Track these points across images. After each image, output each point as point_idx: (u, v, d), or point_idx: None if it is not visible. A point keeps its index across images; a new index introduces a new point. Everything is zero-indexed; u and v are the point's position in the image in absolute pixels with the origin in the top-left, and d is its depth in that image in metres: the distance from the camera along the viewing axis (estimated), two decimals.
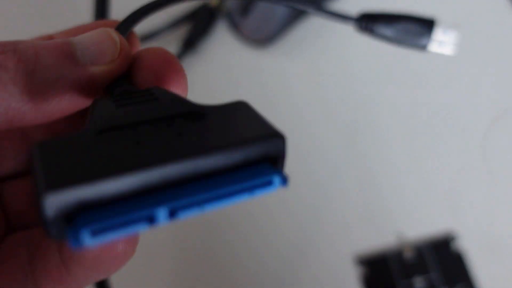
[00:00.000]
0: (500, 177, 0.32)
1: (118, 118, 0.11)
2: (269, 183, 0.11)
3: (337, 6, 0.36)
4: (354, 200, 0.32)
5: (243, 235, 0.32)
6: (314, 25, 0.37)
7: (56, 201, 0.09)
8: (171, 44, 0.37)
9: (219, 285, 0.31)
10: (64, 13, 0.39)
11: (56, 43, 0.13)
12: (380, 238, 0.31)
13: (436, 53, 0.23)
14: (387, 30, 0.23)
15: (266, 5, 0.34)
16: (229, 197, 0.10)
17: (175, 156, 0.10)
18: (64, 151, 0.10)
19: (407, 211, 0.31)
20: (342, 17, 0.23)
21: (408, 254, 0.30)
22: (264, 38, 0.35)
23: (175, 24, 0.36)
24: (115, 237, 0.09)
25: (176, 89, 0.14)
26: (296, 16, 0.35)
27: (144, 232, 0.10)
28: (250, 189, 0.11)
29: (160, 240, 0.32)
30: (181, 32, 0.37)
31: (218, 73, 0.36)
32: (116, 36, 0.13)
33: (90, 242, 0.09)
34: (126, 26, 0.15)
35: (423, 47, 0.23)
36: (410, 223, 0.31)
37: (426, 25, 0.23)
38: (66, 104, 0.12)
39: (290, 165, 0.33)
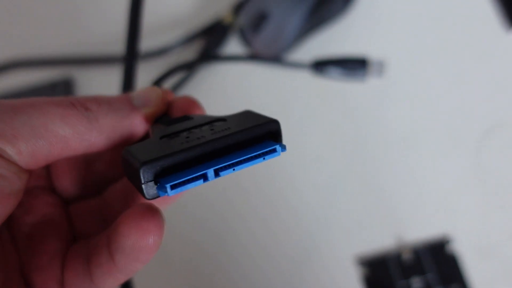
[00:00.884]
0: (492, 184, 0.34)
1: (171, 129, 0.17)
2: (274, 150, 0.16)
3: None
4: (356, 205, 0.34)
5: (253, 236, 0.34)
6: (321, 41, 0.39)
7: (147, 169, 0.15)
8: (185, 58, 0.39)
9: (228, 283, 0.33)
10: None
11: (120, 96, 0.19)
12: (380, 241, 0.33)
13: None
14: (335, 72, 0.33)
15: (277, 22, 0.37)
16: (249, 161, 0.16)
17: (212, 138, 0.16)
18: (144, 148, 0.16)
19: (406, 215, 0.34)
20: (299, 65, 0.32)
21: (406, 256, 0.32)
22: (274, 54, 0.37)
23: (190, 39, 0.39)
24: (185, 190, 0.15)
25: None
26: (305, 33, 0.38)
27: (200, 187, 0.16)
28: (262, 155, 0.16)
29: (172, 248, 0.34)
30: (196, 47, 0.40)
31: (230, 86, 0.39)
32: (158, 89, 0.20)
33: (172, 192, 0.14)
34: (159, 82, 0.23)
35: (362, 79, 0.33)
36: (408, 227, 0.33)
37: (361, 63, 0.32)
38: (127, 134, 0.18)
39: (297, 173, 0.35)
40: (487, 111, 0.36)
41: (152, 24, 0.41)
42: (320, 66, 0.33)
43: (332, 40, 0.39)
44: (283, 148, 0.16)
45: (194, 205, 0.35)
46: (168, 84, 0.38)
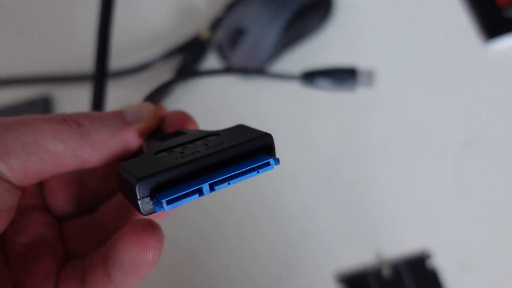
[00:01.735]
0: (472, 197, 0.34)
1: (165, 144, 0.17)
2: (268, 164, 0.16)
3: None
4: (336, 220, 0.34)
5: (235, 252, 0.34)
6: (297, 58, 0.39)
7: (143, 185, 0.15)
8: (164, 74, 0.39)
9: None
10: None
11: (113, 112, 0.19)
12: (360, 257, 0.33)
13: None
14: (324, 83, 0.32)
15: (254, 38, 0.37)
16: (243, 175, 0.16)
17: (207, 153, 0.16)
18: (138, 164, 0.16)
19: (386, 230, 0.33)
20: (289, 77, 0.32)
21: (386, 272, 0.32)
22: (252, 69, 0.37)
23: (168, 55, 0.39)
24: (180, 204, 0.15)
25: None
26: (282, 47, 0.38)
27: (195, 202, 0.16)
28: (256, 169, 0.16)
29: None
30: (174, 63, 0.39)
31: (209, 101, 0.39)
32: (150, 104, 0.20)
33: (167, 207, 0.14)
34: (151, 97, 0.22)
35: (351, 89, 0.32)
36: (388, 242, 0.33)
37: (351, 73, 0.31)
38: (119, 150, 0.18)
39: (277, 188, 0.35)
40: (466, 123, 0.36)
41: (131, 41, 0.41)
42: (310, 76, 0.32)
43: (310, 54, 0.39)
44: (277, 161, 0.17)
45: (174, 219, 0.35)
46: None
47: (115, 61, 0.40)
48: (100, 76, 0.27)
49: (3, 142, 0.16)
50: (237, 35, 0.37)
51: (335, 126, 0.37)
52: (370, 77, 0.32)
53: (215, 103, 0.38)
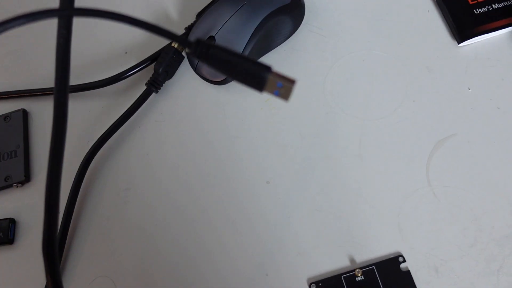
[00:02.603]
0: (443, 200, 0.33)
1: None
2: None
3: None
4: (308, 226, 0.34)
5: (211, 257, 0.34)
6: (272, 63, 0.39)
7: None
8: (138, 84, 0.39)
9: None
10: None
11: None
12: (333, 262, 0.33)
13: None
14: (221, 64, 0.23)
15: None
16: None
17: None
18: None
19: (359, 235, 0.33)
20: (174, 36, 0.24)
21: (359, 276, 0.32)
22: (221, 79, 0.37)
23: (140, 65, 0.39)
24: None
25: None
26: (253, 56, 0.38)
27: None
28: None
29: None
30: (147, 73, 0.40)
31: (182, 108, 0.39)
32: None
33: None
34: None
35: (259, 89, 0.23)
36: (361, 246, 0.33)
37: (262, 69, 0.23)
38: None
39: (249, 194, 0.35)
40: (438, 124, 0.36)
41: (105, 52, 0.42)
42: (204, 48, 0.23)
43: (283, 59, 0.39)
44: None
45: (153, 225, 0.35)
46: (114, 108, 0.38)
47: (89, 74, 0.40)
48: (60, 89, 0.27)
49: None
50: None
51: (307, 130, 0.37)
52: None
53: (186, 107, 0.38)
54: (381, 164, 0.35)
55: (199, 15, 0.39)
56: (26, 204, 0.37)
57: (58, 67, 0.26)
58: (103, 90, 0.40)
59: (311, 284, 0.32)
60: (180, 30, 0.41)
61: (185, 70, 0.40)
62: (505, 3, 0.38)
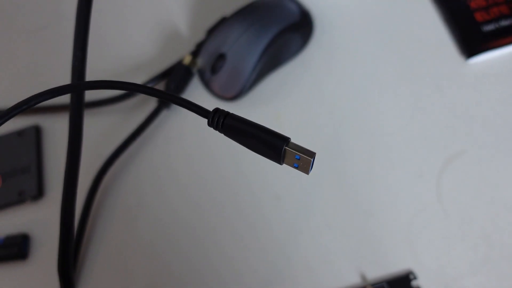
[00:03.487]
0: (454, 216, 0.34)
1: None
2: None
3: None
4: (319, 241, 0.34)
5: (218, 271, 0.34)
6: (275, 81, 0.40)
7: None
8: (148, 101, 0.40)
9: None
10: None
11: None
12: (344, 279, 0.33)
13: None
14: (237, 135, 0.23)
15: (234, 63, 0.37)
16: None
17: None
18: None
19: (369, 252, 0.33)
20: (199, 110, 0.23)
21: None
22: (232, 96, 0.38)
23: (151, 82, 0.39)
24: None
25: None
26: (263, 73, 0.38)
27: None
28: None
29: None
30: (158, 88, 0.40)
31: (192, 125, 0.39)
32: None
33: None
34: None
35: (277, 161, 0.23)
36: (372, 264, 0.33)
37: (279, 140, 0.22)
38: None
39: (259, 209, 0.35)
40: (447, 141, 0.36)
41: (116, 69, 0.42)
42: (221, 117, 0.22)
43: (291, 76, 0.40)
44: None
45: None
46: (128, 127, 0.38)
47: (101, 90, 0.41)
48: (76, 108, 0.27)
49: None
50: (218, 60, 0.38)
51: (316, 146, 0.37)
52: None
53: (197, 125, 0.39)
54: (391, 180, 0.35)
55: (210, 32, 0.40)
56: (39, 220, 0.37)
57: (73, 95, 0.27)
58: (114, 106, 0.40)
59: None
60: (190, 47, 0.41)
61: (196, 86, 0.40)
62: None
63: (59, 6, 0.46)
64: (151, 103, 0.40)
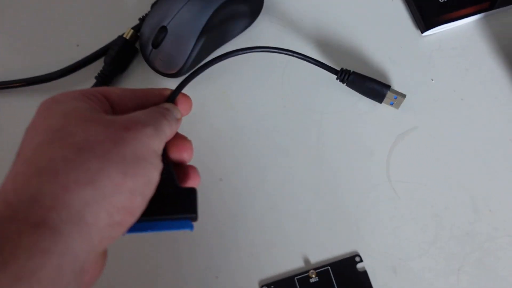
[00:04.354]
0: (403, 195, 0.32)
1: None
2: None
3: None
4: (262, 226, 0.32)
5: (161, 258, 0.32)
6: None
7: None
8: (88, 77, 0.38)
9: None
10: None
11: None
12: (287, 263, 0.31)
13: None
14: (357, 85, 0.34)
15: (176, 37, 0.35)
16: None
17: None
18: None
19: (314, 234, 0.32)
20: (329, 68, 0.34)
21: (314, 277, 0.30)
22: (174, 71, 0.35)
23: (92, 57, 0.37)
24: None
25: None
26: (206, 49, 0.36)
27: None
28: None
29: None
30: (98, 65, 0.38)
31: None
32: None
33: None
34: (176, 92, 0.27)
35: (379, 101, 0.34)
36: (317, 247, 0.31)
37: (384, 87, 0.34)
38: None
39: (205, 195, 0.33)
40: (399, 119, 0.34)
41: (54, 47, 0.40)
42: (346, 75, 0.34)
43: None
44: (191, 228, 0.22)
45: None
46: None
47: (38, 67, 0.38)
48: None
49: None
50: (159, 34, 0.35)
51: (264, 125, 0.35)
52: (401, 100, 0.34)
53: None
54: (340, 159, 0.33)
55: (154, 4, 0.38)
56: None
57: None
58: (52, 84, 0.38)
59: (262, 286, 0.30)
60: (134, 21, 0.39)
61: (139, 63, 0.38)
62: None
63: None
64: (91, 80, 0.37)
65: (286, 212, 0.32)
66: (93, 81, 0.37)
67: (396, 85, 0.35)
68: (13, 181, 0.18)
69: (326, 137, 0.34)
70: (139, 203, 0.19)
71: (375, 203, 0.32)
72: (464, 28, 0.36)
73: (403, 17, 0.37)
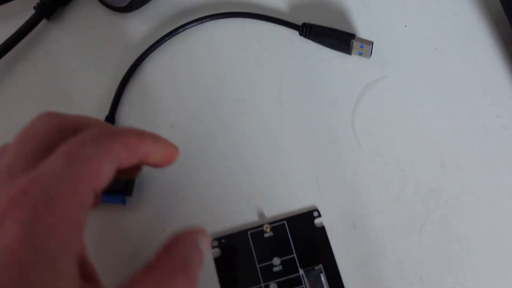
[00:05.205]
0: (368, 149, 0.30)
1: None
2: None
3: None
4: (214, 177, 0.30)
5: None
6: None
7: None
8: (27, 8, 0.33)
9: None
10: None
11: None
12: (240, 217, 0.29)
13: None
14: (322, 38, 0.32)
15: None
16: None
17: None
18: None
19: (271, 187, 0.29)
20: (290, 24, 0.32)
21: (269, 231, 0.28)
22: (123, 6, 0.32)
23: None
24: None
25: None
26: None
27: None
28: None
29: None
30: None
31: (79, 38, 0.33)
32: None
33: None
34: None
35: (348, 52, 0.32)
36: (272, 200, 0.29)
37: (348, 36, 0.31)
38: None
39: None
40: (368, 67, 0.32)
41: None
42: (309, 28, 0.32)
43: None
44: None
45: None
46: None
47: None
48: None
49: None
50: None
51: (221, 70, 0.32)
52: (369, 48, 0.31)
53: (85, 37, 0.33)
54: (302, 109, 0.31)
55: None
56: None
57: None
58: None
59: (213, 240, 0.28)
60: None
61: None
62: None
63: None
64: (30, 11, 0.33)
65: (241, 163, 0.30)
66: (32, 11, 0.33)
67: (369, 33, 0.32)
68: None
69: (288, 86, 0.31)
70: None
71: (338, 156, 0.30)
72: None
73: None
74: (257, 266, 0.27)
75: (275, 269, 0.27)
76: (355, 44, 0.31)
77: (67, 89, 0.32)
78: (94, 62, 0.32)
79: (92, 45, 0.33)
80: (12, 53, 0.32)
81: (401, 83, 0.31)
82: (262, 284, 0.27)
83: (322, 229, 0.28)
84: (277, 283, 0.27)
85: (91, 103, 0.31)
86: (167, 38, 0.32)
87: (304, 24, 0.32)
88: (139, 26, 0.33)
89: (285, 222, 0.28)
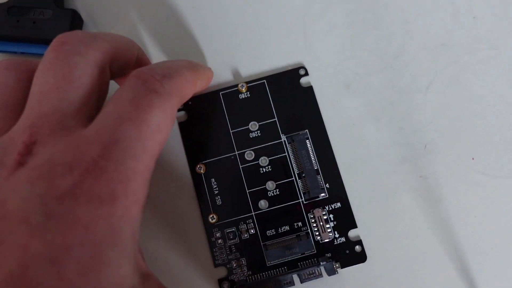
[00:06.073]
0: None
1: None
2: None
3: None
4: (182, 31, 0.24)
5: None
6: None
7: None
8: None
9: None
10: None
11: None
12: (215, 78, 0.24)
13: None
14: None
15: None
16: None
17: None
18: None
19: (249, 42, 0.24)
20: None
21: (244, 91, 0.23)
22: None
23: None
24: None
25: None
26: None
27: None
28: None
29: None
30: None
31: None
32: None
33: None
34: None
35: None
36: (251, 57, 0.24)
37: None
38: None
39: None
40: None
41: None
42: None
43: None
44: None
45: None
46: None
47: None
48: None
49: None
50: None
51: None
52: None
53: None
54: None
55: None
56: None
57: None
58: None
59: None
60: None
61: None
62: None
63: None
64: None
65: (215, 15, 0.24)
66: None
67: None
68: None
69: None
70: None
71: (329, 3, 0.24)
72: None
73: None
74: (231, 132, 0.23)
75: (252, 135, 0.23)
76: None
77: None
78: None
79: None
80: None
81: None
82: (236, 152, 0.23)
83: (309, 89, 0.23)
84: (253, 150, 0.23)
85: None
86: None
87: None
88: None
89: (265, 81, 0.23)
